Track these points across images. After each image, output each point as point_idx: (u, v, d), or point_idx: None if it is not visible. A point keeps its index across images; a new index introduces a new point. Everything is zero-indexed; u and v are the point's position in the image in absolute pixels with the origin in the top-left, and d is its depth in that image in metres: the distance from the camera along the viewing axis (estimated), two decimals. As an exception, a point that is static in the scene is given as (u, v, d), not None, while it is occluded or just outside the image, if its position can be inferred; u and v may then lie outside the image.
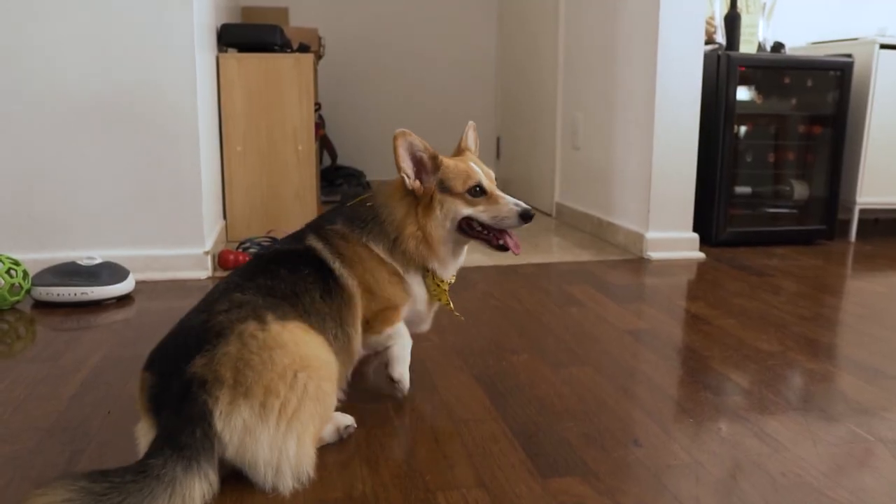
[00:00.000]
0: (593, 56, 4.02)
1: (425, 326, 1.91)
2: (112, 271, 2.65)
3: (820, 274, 3.23)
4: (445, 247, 1.74)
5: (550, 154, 4.68)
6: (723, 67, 3.62)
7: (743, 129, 3.84)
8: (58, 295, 2.56)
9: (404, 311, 1.78)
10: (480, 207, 1.71)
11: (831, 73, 3.82)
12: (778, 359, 2.12)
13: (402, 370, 1.76)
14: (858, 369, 2.04)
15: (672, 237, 3.48)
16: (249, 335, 1.36)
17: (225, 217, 3.69)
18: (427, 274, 1.77)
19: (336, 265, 1.66)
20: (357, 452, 1.52)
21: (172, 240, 2.99)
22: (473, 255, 3.38)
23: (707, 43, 3.73)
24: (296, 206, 3.74)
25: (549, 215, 4.69)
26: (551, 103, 4.63)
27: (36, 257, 2.81)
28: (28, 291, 2.59)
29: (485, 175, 1.75)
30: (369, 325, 1.72)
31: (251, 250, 3.13)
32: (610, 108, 3.84)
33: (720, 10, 3.88)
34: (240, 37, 3.68)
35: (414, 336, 1.83)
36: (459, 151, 1.86)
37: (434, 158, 1.71)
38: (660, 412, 1.74)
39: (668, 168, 3.43)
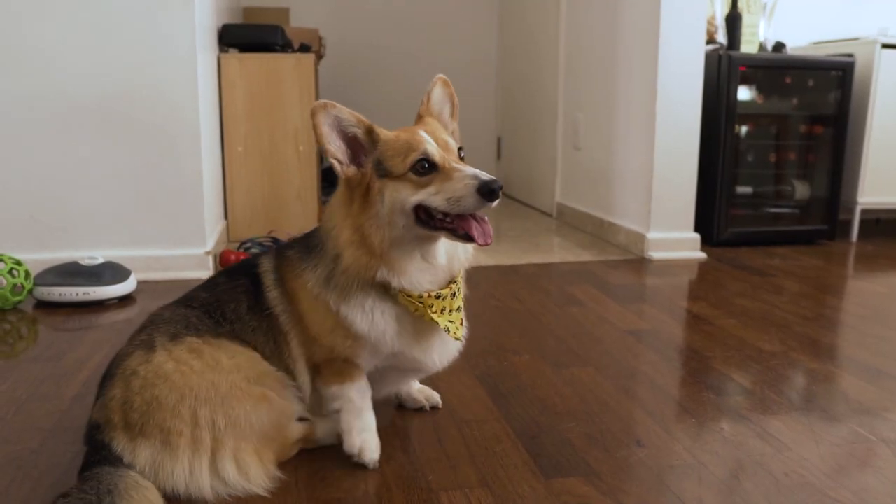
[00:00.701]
0: (594, 56, 4.02)
1: (430, 364, 1.48)
2: (114, 271, 2.65)
3: (821, 274, 3.22)
4: (401, 249, 1.35)
5: (551, 154, 4.68)
6: (724, 67, 3.62)
7: (744, 129, 3.84)
8: (60, 295, 2.57)
9: (364, 362, 1.45)
10: (431, 189, 1.31)
11: (833, 72, 3.82)
12: (780, 359, 2.12)
13: (353, 442, 1.45)
14: (860, 370, 2.04)
15: (673, 237, 3.48)
16: (131, 373, 1.31)
17: (226, 217, 3.69)
18: (394, 291, 1.38)
19: (272, 294, 1.45)
20: (359, 453, 1.52)
21: (174, 240, 2.99)
22: (474, 253, 3.38)
23: (708, 43, 3.73)
24: (297, 206, 3.74)
25: (550, 215, 4.69)
26: (552, 104, 4.63)
27: (38, 257, 2.81)
28: (30, 291, 2.59)
29: (437, 143, 1.34)
30: (319, 373, 1.47)
31: (252, 250, 3.13)
32: (611, 109, 3.84)
33: (721, 9, 3.88)
34: (241, 37, 3.68)
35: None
36: (418, 119, 1.47)
37: (370, 132, 1.36)
38: (662, 413, 1.74)
39: (670, 168, 3.43)
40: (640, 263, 3.36)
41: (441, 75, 1.50)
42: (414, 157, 1.31)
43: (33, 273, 2.65)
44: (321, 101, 1.32)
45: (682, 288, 3.01)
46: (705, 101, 3.47)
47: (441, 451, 1.53)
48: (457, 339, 1.44)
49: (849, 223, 4.05)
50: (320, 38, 4.55)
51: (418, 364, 1.47)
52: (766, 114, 3.88)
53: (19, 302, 2.57)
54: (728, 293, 2.85)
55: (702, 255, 3.48)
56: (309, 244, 1.46)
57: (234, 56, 3.59)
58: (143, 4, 2.83)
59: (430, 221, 1.33)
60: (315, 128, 1.32)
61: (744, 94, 3.77)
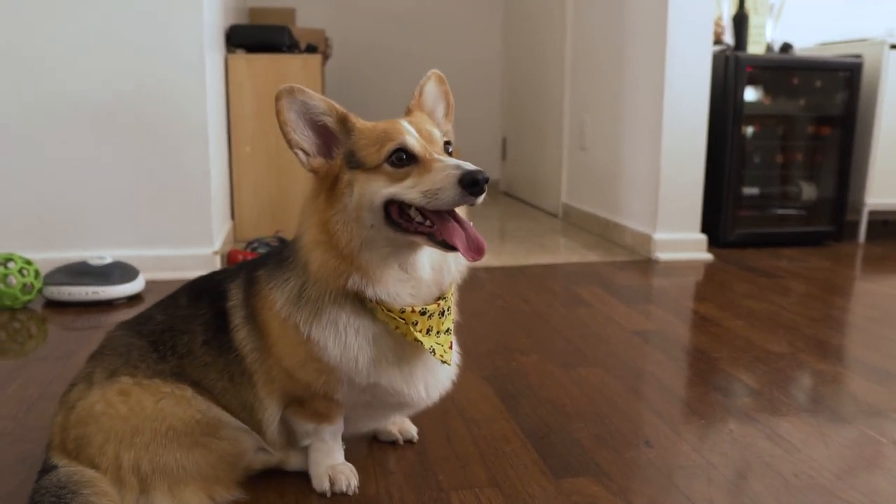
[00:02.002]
0: (601, 57, 4.02)
1: (415, 396, 1.30)
2: (122, 271, 2.66)
3: (829, 276, 3.22)
4: (373, 252, 1.21)
5: (557, 155, 4.68)
6: (731, 68, 3.61)
7: (751, 129, 3.83)
8: (69, 294, 2.58)
9: (343, 398, 1.31)
10: (407, 182, 1.16)
11: (840, 73, 3.82)
12: (788, 360, 2.12)
13: (322, 480, 1.36)
14: (869, 371, 2.04)
15: (680, 238, 3.48)
16: (70, 406, 1.30)
17: (233, 217, 3.70)
18: (371, 305, 1.23)
19: (240, 335, 1.32)
20: (370, 453, 1.52)
21: (182, 240, 3.00)
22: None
23: (715, 43, 3.73)
24: (304, 206, 3.74)
25: (556, 216, 4.69)
26: (558, 104, 4.63)
27: (47, 257, 2.82)
28: (40, 290, 2.61)
29: (420, 134, 1.20)
30: (296, 408, 1.35)
31: (259, 250, 3.13)
32: (617, 109, 3.84)
33: (728, 10, 3.88)
34: (249, 37, 3.69)
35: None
36: (406, 113, 1.33)
37: (344, 121, 1.23)
38: (670, 413, 1.75)
39: (676, 169, 3.43)
40: (646, 264, 3.36)
41: (435, 70, 1.36)
42: (391, 146, 1.17)
43: (43, 272, 2.66)
44: (287, 85, 1.20)
45: (688, 289, 3.01)
46: (712, 102, 3.47)
47: (450, 451, 1.53)
48: (444, 361, 1.26)
49: (856, 224, 4.04)
50: (326, 39, 4.56)
51: (402, 397, 1.29)
52: (773, 115, 3.87)
53: (29, 301, 2.58)
54: (735, 294, 2.85)
55: (708, 257, 3.48)
56: (283, 256, 1.33)
57: (241, 56, 3.60)
58: (152, 6, 2.84)
59: (403, 223, 1.19)
60: (278, 114, 1.19)
61: (751, 94, 3.77)
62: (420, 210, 1.17)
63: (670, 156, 3.41)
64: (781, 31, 4.12)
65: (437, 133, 1.23)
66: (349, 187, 1.20)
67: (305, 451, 1.41)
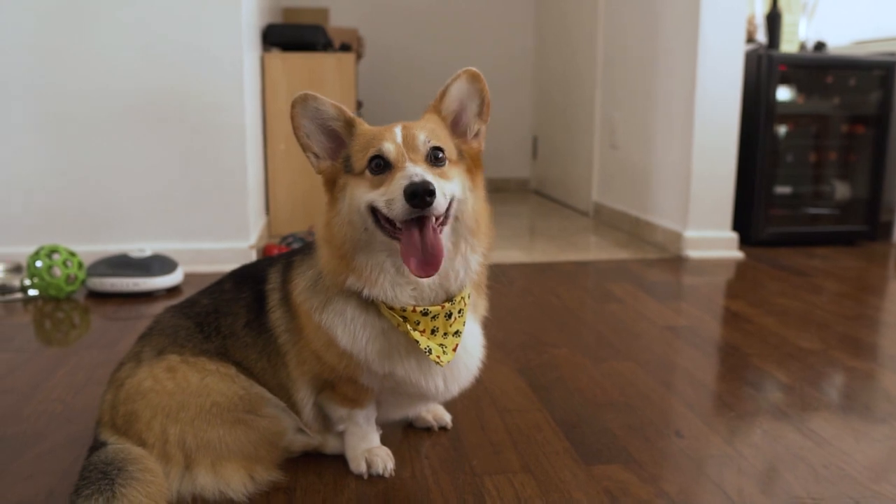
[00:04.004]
0: (632, 55, 4.03)
1: (432, 389, 1.33)
2: (162, 263, 2.74)
3: (862, 275, 3.20)
4: (367, 255, 1.25)
5: (588, 153, 4.69)
6: (764, 66, 3.60)
7: (784, 128, 3.81)
8: (111, 285, 2.66)
9: (368, 382, 1.35)
10: (381, 189, 1.20)
11: (875, 72, 3.78)
12: (820, 357, 2.12)
13: (360, 464, 1.40)
14: (902, 368, 2.04)
15: (711, 236, 3.47)
16: (118, 384, 1.37)
17: (268, 213, 3.77)
18: (377, 301, 1.27)
19: (274, 315, 1.39)
20: (405, 438, 1.57)
21: (219, 234, 3.08)
22: (510, 251, 3.41)
23: (748, 42, 3.72)
24: (336, 202, 3.79)
25: (587, 214, 4.70)
26: (589, 103, 4.64)
27: (90, 249, 2.90)
28: (83, 281, 2.69)
29: (405, 140, 1.22)
30: (329, 392, 1.40)
31: (294, 245, 3.20)
32: (649, 108, 3.84)
33: (761, 8, 3.86)
34: (284, 36, 3.75)
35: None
36: (423, 115, 1.35)
37: (350, 126, 1.29)
38: (701, 406, 1.76)
39: (708, 167, 3.42)
40: (677, 262, 3.36)
41: (469, 67, 1.34)
42: (370, 153, 1.22)
43: (86, 264, 2.74)
44: (302, 92, 1.27)
45: (719, 286, 3.01)
46: (745, 101, 3.46)
47: (484, 438, 1.57)
48: (438, 363, 1.26)
49: (890, 224, 3.99)
50: (359, 38, 4.62)
51: (419, 388, 1.32)
52: (806, 113, 3.85)
53: (73, 292, 2.66)
54: (767, 292, 2.84)
55: (739, 255, 3.47)
56: (312, 245, 1.40)
57: (277, 55, 3.67)
58: (191, 6, 2.91)
59: (388, 228, 1.21)
60: (292, 120, 1.28)
61: (784, 93, 3.75)
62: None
63: (702, 154, 3.41)
64: (815, 30, 4.09)
65: (421, 137, 1.23)
66: (342, 192, 1.26)
67: (343, 435, 1.46)
